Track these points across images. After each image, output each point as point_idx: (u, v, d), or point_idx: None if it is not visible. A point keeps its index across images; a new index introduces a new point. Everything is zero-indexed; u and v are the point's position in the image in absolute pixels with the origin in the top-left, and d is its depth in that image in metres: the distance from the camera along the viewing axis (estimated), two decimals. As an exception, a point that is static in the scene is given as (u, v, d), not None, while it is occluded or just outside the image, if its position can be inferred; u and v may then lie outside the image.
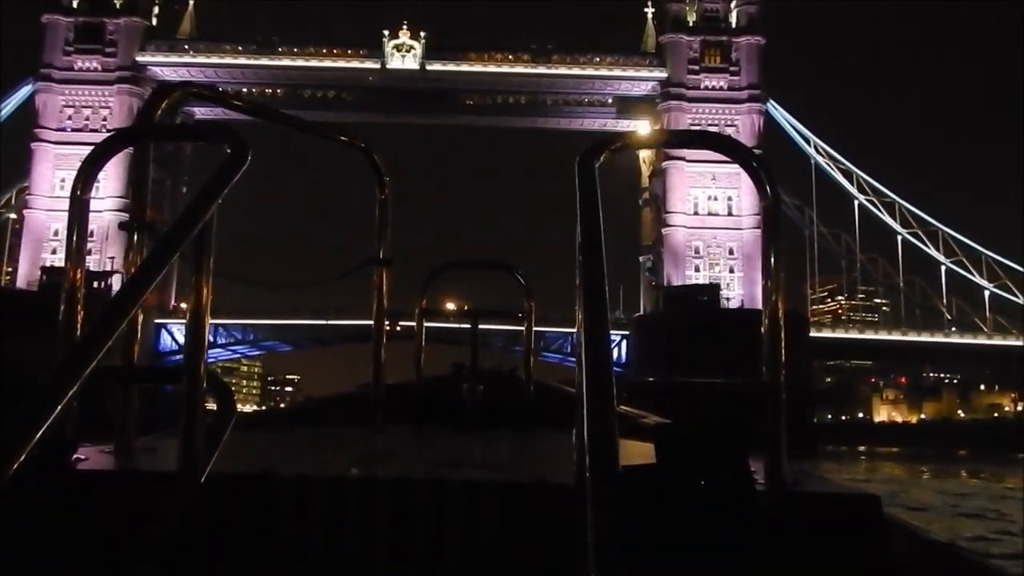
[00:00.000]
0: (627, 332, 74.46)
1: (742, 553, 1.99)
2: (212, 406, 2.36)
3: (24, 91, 76.51)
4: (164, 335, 73.84)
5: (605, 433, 1.39)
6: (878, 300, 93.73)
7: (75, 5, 77.55)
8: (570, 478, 1.87)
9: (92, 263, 73.44)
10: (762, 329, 2.26)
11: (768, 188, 2.23)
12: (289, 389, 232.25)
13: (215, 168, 2.03)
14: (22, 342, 61.05)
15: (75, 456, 2.37)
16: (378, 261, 3.93)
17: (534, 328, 5.09)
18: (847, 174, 79.81)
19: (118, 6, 77.72)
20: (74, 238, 2.56)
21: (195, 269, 2.20)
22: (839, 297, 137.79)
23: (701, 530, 1.99)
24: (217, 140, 2.16)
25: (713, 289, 69.38)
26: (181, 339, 75.11)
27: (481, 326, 5.21)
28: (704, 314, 64.33)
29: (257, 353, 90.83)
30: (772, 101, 78.60)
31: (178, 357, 73.15)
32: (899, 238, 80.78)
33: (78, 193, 2.60)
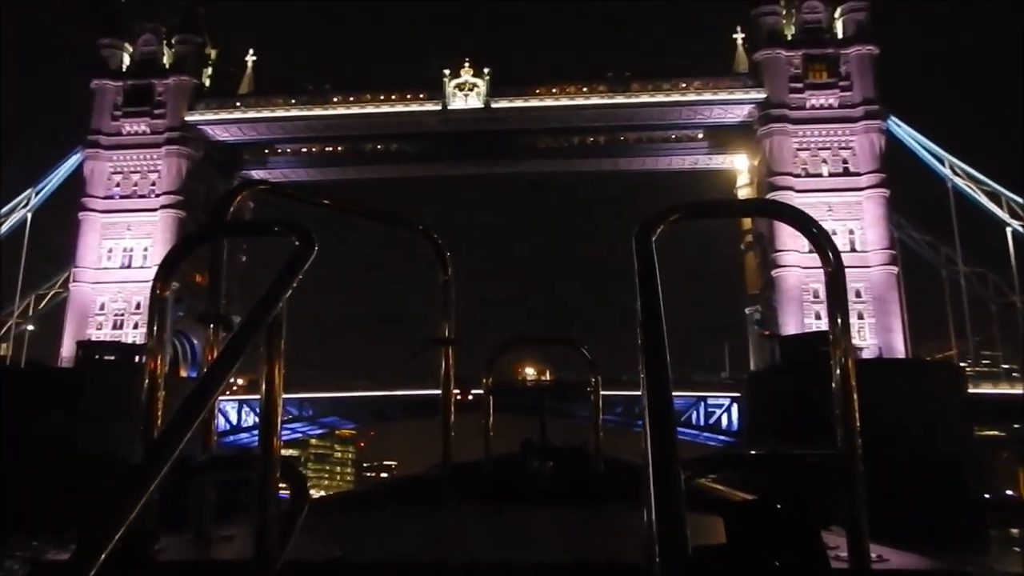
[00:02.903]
0: (738, 394, 62.69)
1: None
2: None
3: (73, 160, 72.50)
4: (217, 416, 65.93)
5: (672, 513, 1.40)
6: (1006, 365, 76.24)
7: (124, 68, 73.72)
8: (640, 557, 1.84)
9: (139, 336, 68.37)
10: (834, 391, 2.23)
11: (831, 255, 2.30)
12: (385, 475, 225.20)
13: (285, 259, 2.16)
14: (45, 420, 55.26)
15: (156, 547, 2.53)
16: (443, 341, 4.09)
17: (601, 393, 5.39)
18: (994, 197, 66.64)
19: (167, 67, 73.40)
20: (154, 333, 2.76)
21: (267, 359, 2.25)
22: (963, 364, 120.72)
23: None
24: (286, 234, 2.28)
25: (840, 336, 56.90)
26: (235, 417, 68.49)
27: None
28: (826, 367, 51.86)
29: (319, 432, 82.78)
30: (894, 118, 66.88)
31: (234, 437, 65.73)
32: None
33: (157, 292, 2.74)
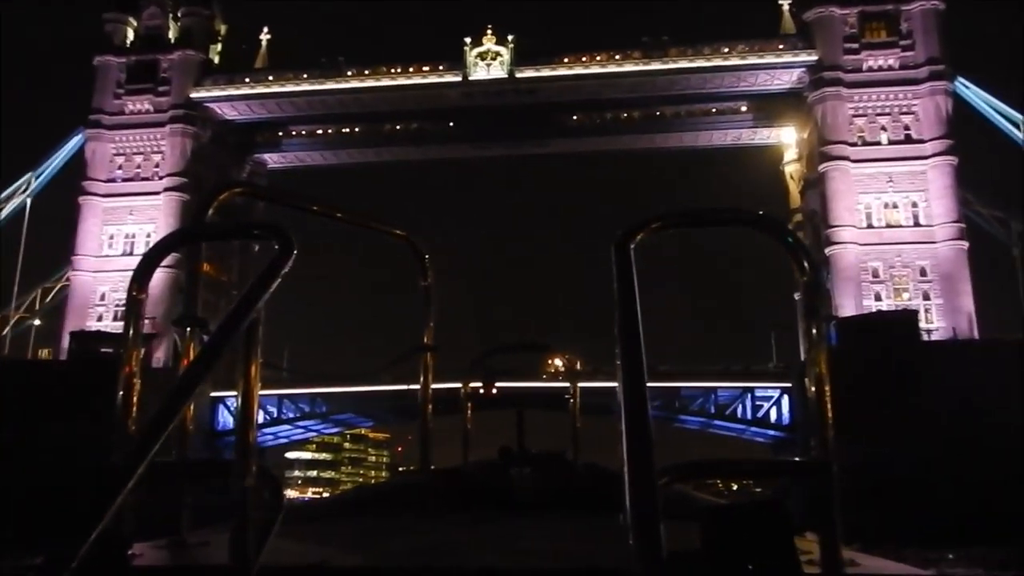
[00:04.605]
0: (788, 384, 56.55)
1: None
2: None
3: (74, 142, 68.60)
4: (222, 411, 61.59)
5: (647, 518, 1.47)
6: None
7: (128, 44, 69.70)
8: (617, 562, 1.89)
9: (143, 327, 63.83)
10: (807, 395, 2.30)
11: (807, 265, 2.34)
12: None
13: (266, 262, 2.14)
14: (38, 420, 51.25)
15: (130, 552, 2.52)
16: (423, 348, 4.29)
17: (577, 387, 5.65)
18: (1077, 164, 59.56)
19: (173, 41, 69.20)
20: (129, 335, 2.76)
21: (244, 363, 2.24)
22: None
23: None
24: (266, 237, 2.28)
25: (908, 317, 50.62)
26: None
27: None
28: (900, 351, 45.71)
29: (334, 430, 77.99)
30: (962, 79, 60.24)
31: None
32: None
33: (134, 293, 2.77)
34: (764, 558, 1.99)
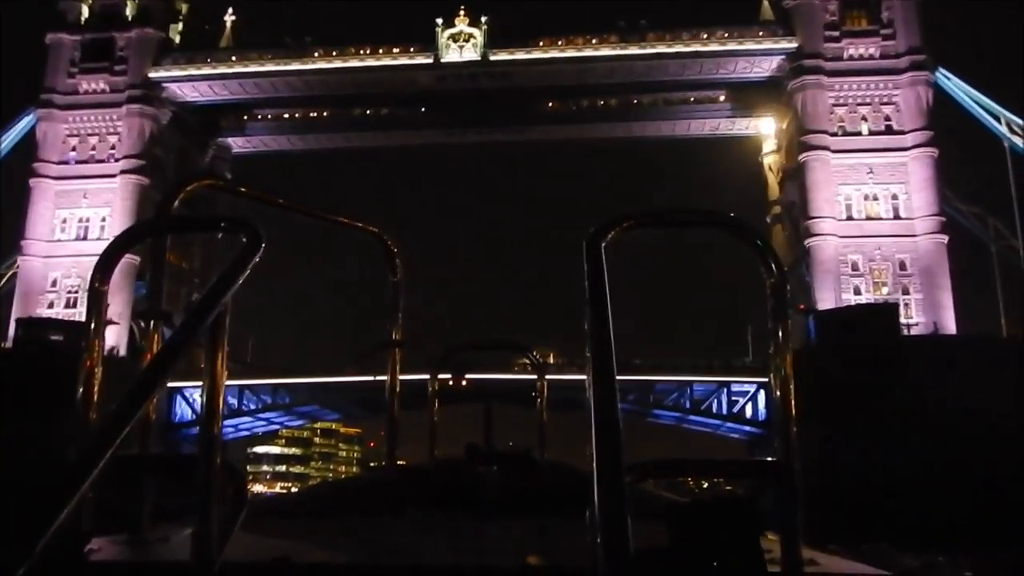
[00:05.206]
0: (765, 379, 54.82)
1: None
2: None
3: (25, 122, 65.42)
4: (179, 402, 59.02)
5: (614, 515, 1.47)
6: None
7: (83, 21, 66.62)
8: (584, 560, 1.90)
9: (80, 315, 61.03)
10: (774, 401, 2.29)
11: (774, 267, 2.36)
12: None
13: (234, 255, 2.13)
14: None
15: (89, 547, 2.48)
16: (391, 343, 4.14)
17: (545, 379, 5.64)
18: (1057, 157, 58.69)
19: (130, 18, 66.21)
20: (91, 328, 2.68)
21: (210, 358, 2.22)
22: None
23: None
24: (233, 231, 2.26)
25: (888, 311, 49.33)
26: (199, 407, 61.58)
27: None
28: (880, 346, 44.28)
29: (298, 423, 75.75)
30: (943, 70, 59.05)
31: (195, 430, 59.15)
32: None
33: (96, 285, 2.68)
34: (730, 556, 2.00)
